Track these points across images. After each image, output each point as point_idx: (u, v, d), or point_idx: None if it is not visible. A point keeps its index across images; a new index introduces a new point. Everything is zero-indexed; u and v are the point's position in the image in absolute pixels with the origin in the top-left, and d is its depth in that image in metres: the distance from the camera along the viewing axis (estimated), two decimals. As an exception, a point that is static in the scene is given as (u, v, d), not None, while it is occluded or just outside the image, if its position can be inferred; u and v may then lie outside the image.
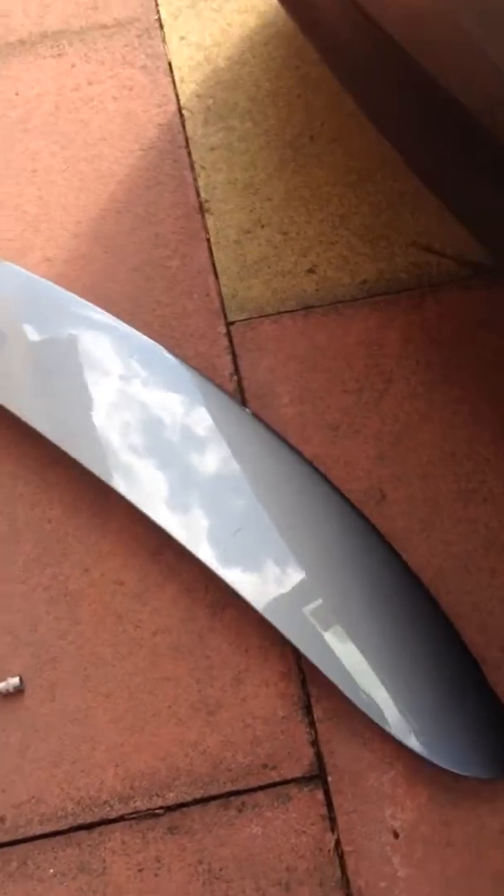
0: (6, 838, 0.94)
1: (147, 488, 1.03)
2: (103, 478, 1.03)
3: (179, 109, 1.37)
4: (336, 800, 0.93)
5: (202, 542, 1.00)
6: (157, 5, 1.45)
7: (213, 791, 0.94)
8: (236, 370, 1.17)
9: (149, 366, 1.11)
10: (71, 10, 1.45)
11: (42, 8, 1.45)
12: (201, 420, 1.07)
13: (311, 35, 1.15)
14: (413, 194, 1.29)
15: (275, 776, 0.95)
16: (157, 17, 1.44)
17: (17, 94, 1.38)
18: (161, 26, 1.43)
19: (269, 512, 1.02)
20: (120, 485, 1.03)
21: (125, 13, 1.44)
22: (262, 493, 1.04)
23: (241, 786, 0.94)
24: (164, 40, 1.42)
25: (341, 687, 0.93)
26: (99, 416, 1.07)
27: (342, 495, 1.04)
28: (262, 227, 1.27)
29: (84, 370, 1.10)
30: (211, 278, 1.24)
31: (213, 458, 1.05)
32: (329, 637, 0.96)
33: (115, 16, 1.44)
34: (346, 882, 0.90)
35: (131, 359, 1.11)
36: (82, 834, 0.93)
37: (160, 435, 1.07)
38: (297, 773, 0.95)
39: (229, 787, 0.94)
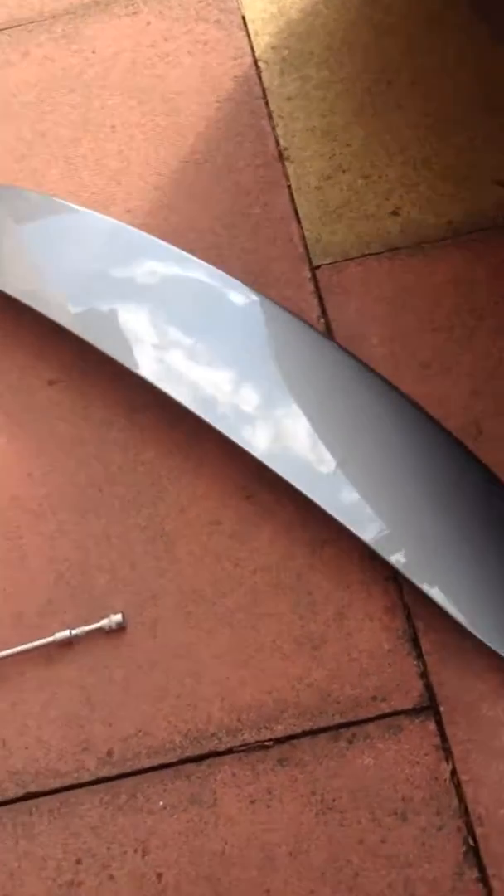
0: (114, 771, 0.94)
1: (245, 424, 1.03)
2: (200, 414, 1.03)
3: (255, 61, 1.37)
4: (449, 730, 0.92)
5: (303, 476, 1.00)
6: (228, -38, 1.46)
7: (322, 723, 0.94)
8: (324, 313, 1.16)
9: (239, 305, 1.11)
10: (143, -30, 1.46)
11: (114, -31, 1.47)
12: (295, 356, 1.07)
13: None
14: (494, 135, 1.27)
15: (384, 707, 0.94)
16: (228, -28, 1.45)
17: (93, 53, 1.40)
18: (233, -19, 1.44)
19: (369, 444, 1.02)
20: (217, 422, 1.03)
21: (197, -30, 1.45)
22: (361, 427, 1.03)
23: (350, 717, 0.94)
24: (236, -5, 1.43)
25: (454, 613, 0.92)
26: (193, 355, 1.08)
27: (440, 425, 1.03)
28: (343, 172, 1.27)
29: (176, 311, 1.11)
30: (294, 224, 1.23)
31: (310, 393, 1.05)
32: (438, 565, 0.94)
33: (187, -27, 1.45)
34: (464, 810, 0.88)
35: (222, 298, 1.12)
36: (191, 766, 0.93)
37: (256, 371, 1.07)
38: (408, 705, 0.94)
39: (338, 720, 0.94)
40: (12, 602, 1.03)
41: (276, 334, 1.09)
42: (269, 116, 1.32)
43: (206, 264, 1.14)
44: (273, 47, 1.38)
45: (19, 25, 1.45)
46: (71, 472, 1.10)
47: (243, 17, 1.41)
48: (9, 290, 1.14)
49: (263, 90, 1.34)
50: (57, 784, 0.94)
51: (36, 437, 1.12)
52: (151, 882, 0.89)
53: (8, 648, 0.99)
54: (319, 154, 1.28)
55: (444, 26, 1.36)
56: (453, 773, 0.90)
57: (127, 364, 1.07)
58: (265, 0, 1.42)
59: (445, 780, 0.90)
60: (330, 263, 1.20)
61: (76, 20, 1.44)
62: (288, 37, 1.38)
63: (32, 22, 1.45)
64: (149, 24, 1.42)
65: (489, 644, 0.91)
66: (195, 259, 1.15)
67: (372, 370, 1.07)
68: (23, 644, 0.99)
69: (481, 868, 0.86)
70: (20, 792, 0.94)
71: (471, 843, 0.87)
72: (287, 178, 1.27)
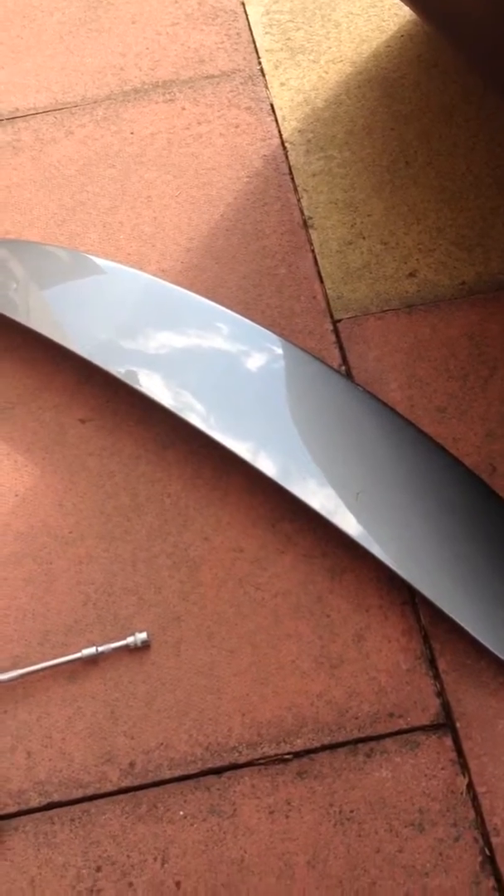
0: (136, 782, 1.01)
1: (270, 456, 1.15)
2: (227, 445, 1.15)
3: (282, 143, 1.57)
4: (465, 745, 0.99)
5: (325, 505, 1.11)
6: (258, 58, 1.69)
7: (341, 738, 1.01)
8: (344, 360, 1.30)
9: (265, 349, 1.26)
10: (180, 63, 1.69)
11: (153, 62, 1.71)
12: (318, 394, 1.21)
13: (444, 24, 1.35)
14: (503, 207, 1.45)
15: (402, 724, 1.02)
16: (259, 67, 1.68)
17: (132, 133, 1.61)
18: (263, 74, 1.66)
19: (388, 475, 1.14)
20: (245, 453, 1.15)
21: (230, 65, 1.68)
22: (380, 459, 1.15)
23: (368, 733, 1.01)
24: (266, 86, 1.65)
25: (471, 631, 1.01)
26: (222, 393, 1.21)
27: (456, 458, 1.15)
28: (364, 238, 1.44)
29: (205, 353, 1.26)
30: (316, 283, 1.40)
31: (332, 428, 1.18)
32: (455, 586, 1.04)
33: (221, 67, 1.68)
34: (480, 821, 0.95)
35: (248, 343, 1.26)
36: (211, 778, 1.01)
37: (281, 408, 1.20)
38: (425, 721, 1.01)
39: (356, 735, 1.01)
40: (41, 621, 1.13)
41: (300, 375, 1.23)
42: (295, 190, 1.51)
43: (233, 313, 1.30)
44: (299, 131, 1.58)
45: (64, 108, 1.67)
46: (100, 502, 1.21)
47: (272, 105, 1.62)
48: (46, 333, 1.29)
49: (290, 167, 1.54)
50: (79, 794, 1.01)
51: (68, 470, 1.25)
52: (170, 890, 0.95)
53: (35, 665, 1.08)
54: (341, 223, 1.46)
55: (457, 115, 1.57)
56: (469, 785, 0.97)
57: (157, 399, 1.20)
58: (292, 90, 1.64)
59: (462, 792, 0.97)
60: (350, 318, 1.35)
61: (116, 105, 1.66)
62: (313, 122, 1.59)
63: (76, 106, 1.67)
64: (184, 109, 1.63)
65: None
66: (223, 309, 1.31)
67: (390, 408, 1.20)
68: (49, 661, 1.08)
69: (498, 877, 0.92)
70: (43, 801, 1.01)
71: (487, 853, 0.93)
72: (311, 243, 1.44)
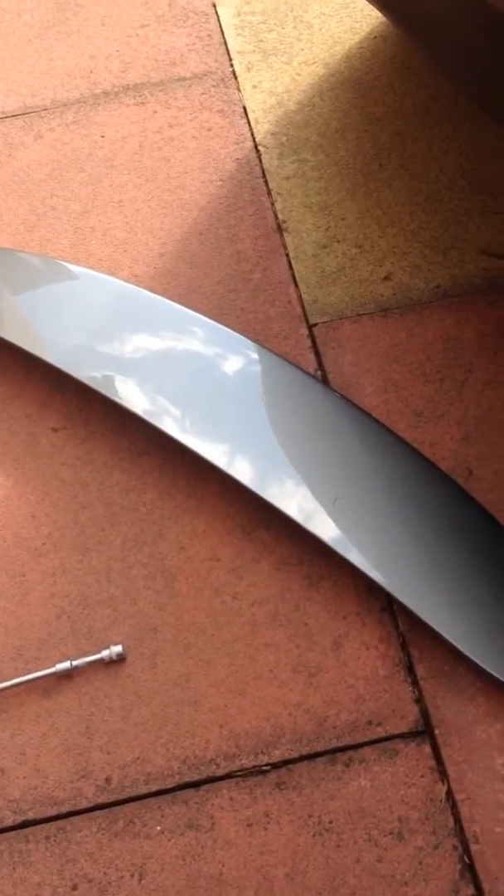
0: (112, 798, 1.01)
1: (245, 463, 1.15)
2: (202, 454, 1.16)
3: (255, 146, 1.58)
4: (444, 752, 1.00)
5: (302, 512, 1.11)
6: (230, 60, 1.69)
7: (319, 747, 1.02)
8: (320, 365, 1.31)
9: (239, 354, 1.26)
10: (151, 65, 1.70)
11: (123, 65, 1.70)
12: (293, 400, 1.21)
13: (410, 27, 1.36)
14: (477, 210, 1.46)
15: (380, 732, 1.02)
16: (231, 69, 1.68)
17: (103, 137, 1.61)
18: (235, 77, 1.67)
19: (364, 480, 1.14)
20: (219, 460, 1.15)
21: (201, 67, 1.68)
22: (356, 465, 1.16)
23: (346, 742, 1.02)
24: (238, 88, 1.65)
25: (449, 638, 1.02)
26: (196, 399, 1.21)
27: (432, 463, 1.15)
28: (338, 242, 1.45)
29: (179, 360, 1.26)
30: (291, 288, 1.40)
31: (307, 434, 1.18)
32: (432, 592, 1.05)
33: (192, 70, 1.68)
34: (460, 829, 0.95)
35: (222, 348, 1.26)
36: (189, 792, 1.01)
37: (256, 414, 1.20)
38: (403, 729, 1.02)
39: (335, 744, 1.02)
40: (13, 636, 1.12)
41: (276, 380, 1.24)
42: (269, 193, 1.52)
43: (207, 319, 1.30)
44: (272, 133, 1.59)
45: (33, 112, 1.66)
46: (73, 512, 1.21)
47: (244, 107, 1.63)
48: (17, 342, 1.29)
49: (263, 171, 1.54)
50: (54, 811, 1.01)
51: (40, 480, 1.24)
52: (148, 906, 0.94)
53: (7, 680, 1.08)
54: (316, 226, 1.47)
55: (430, 117, 1.58)
56: (448, 793, 0.97)
57: (130, 407, 1.20)
58: (265, 93, 1.64)
59: (441, 800, 0.97)
60: (326, 322, 1.35)
61: (86, 108, 1.66)
62: (286, 125, 1.60)
63: (45, 109, 1.67)
64: (155, 112, 1.63)
65: (482, 665, 1.00)
66: (197, 314, 1.31)
67: (366, 413, 1.21)
68: (22, 676, 1.08)
69: (477, 885, 0.92)
70: (17, 820, 1.01)
71: (466, 860, 0.94)
72: (285, 247, 1.45)
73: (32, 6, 1.82)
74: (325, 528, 1.11)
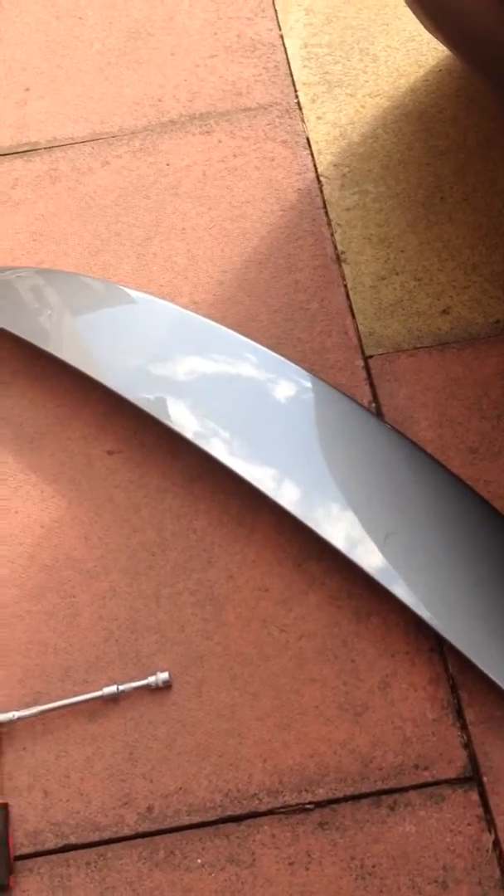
0: (154, 827, 1.00)
1: (297, 495, 1.14)
2: (255, 484, 1.14)
3: (317, 177, 1.57)
4: (492, 800, 0.97)
5: (353, 546, 1.09)
6: (295, 91, 1.69)
7: (364, 789, 0.99)
8: (375, 398, 1.29)
9: (295, 385, 1.25)
10: (217, 95, 1.70)
11: (190, 94, 1.72)
12: (348, 433, 1.20)
13: (475, 60, 1.35)
14: (542, 247, 1.44)
15: (427, 776, 0.99)
16: (296, 100, 1.68)
17: (168, 165, 1.62)
18: (300, 108, 1.67)
19: (418, 517, 1.12)
20: (271, 492, 1.14)
21: (267, 98, 1.69)
22: (410, 501, 1.14)
23: (392, 784, 0.99)
24: (302, 120, 1.65)
25: (500, 683, 0.99)
26: (250, 429, 1.20)
27: (487, 502, 1.13)
28: (397, 274, 1.43)
29: (235, 389, 1.25)
30: (348, 319, 1.39)
31: (361, 468, 1.17)
32: (484, 636, 1.02)
33: (258, 100, 1.69)
34: (507, 882, 0.92)
35: (279, 379, 1.26)
36: (231, 826, 0.99)
37: (310, 446, 1.19)
38: (451, 775, 0.99)
39: (380, 786, 0.99)
40: (62, 657, 1.12)
41: (330, 412, 1.22)
42: (329, 224, 1.51)
43: (264, 348, 1.29)
44: (335, 165, 1.58)
45: (101, 139, 1.68)
46: (125, 536, 1.21)
47: (308, 138, 1.62)
48: (77, 364, 1.29)
49: (324, 201, 1.54)
50: (96, 837, 1.00)
51: (94, 502, 1.24)
52: (185, 941, 0.93)
53: (55, 701, 1.07)
54: (375, 258, 1.45)
55: (494, 151, 1.56)
56: (496, 843, 0.94)
57: (184, 433, 1.19)
58: (328, 124, 1.64)
59: (488, 850, 0.94)
60: (382, 354, 1.34)
61: (153, 136, 1.67)
62: (349, 156, 1.59)
63: (113, 136, 1.68)
64: (220, 142, 1.64)
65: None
66: (254, 343, 1.30)
67: (421, 448, 1.18)
68: (70, 698, 1.07)
69: (524, 942, 0.89)
70: (59, 843, 1.00)
71: (513, 915, 0.90)
72: (343, 278, 1.44)
73: (104, 35, 1.84)
74: (375, 563, 1.09)
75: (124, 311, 1.40)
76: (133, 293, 1.40)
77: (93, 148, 1.67)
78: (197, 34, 1.82)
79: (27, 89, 1.79)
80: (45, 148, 1.68)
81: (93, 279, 1.45)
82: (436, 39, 1.72)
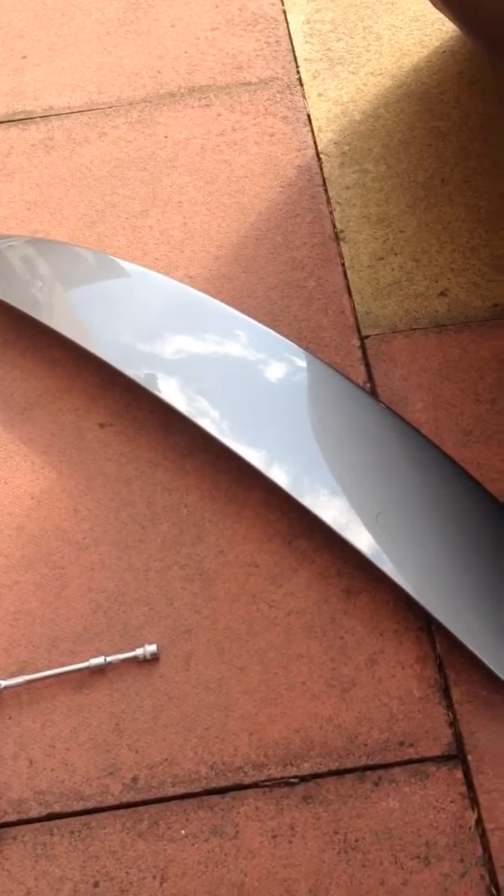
0: (138, 798, 1.00)
1: (289, 471, 1.14)
2: (246, 458, 1.15)
3: (317, 154, 1.57)
4: (477, 779, 0.98)
5: (344, 524, 1.10)
6: (297, 67, 1.69)
7: (349, 764, 1.00)
8: (370, 378, 1.29)
9: (289, 361, 1.25)
10: (217, 68, 1.69)
11: (190, 67, 1.71)
12: (341, 410, 1.20)
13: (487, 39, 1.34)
14: (541, 232, 1.44)
15: (412, 753, 1.00)
16: (297, 76, 1.67)
17: (166, 137, 1.61)
18: (301, 84, 1.66)
19: (409, 496, 1.12)
20: (263, 467, 1.14)
21: (267, 73, 1.68)
22: (402, 480, 1.14)
23: (377, 760, 1.00)
24: (303, 96, 1.64)
25: (488, 662, 1.00)
26: (243, 404, 1.20)
27: (478, 483, 1.13)
28: (395, 254, 1.43)
29: (229, 363, 1.25)
30: (345, 298, 1.39)
31: (354, 446, 1.17)
32: (472, 615, 1.03)
33: (259, 75, 1.68)
34: (488, 859, 0.93)
35: (272, 354, 1.26)
36: (215, 798, 1.00)
37: (303, 422, 1.19)
38: (436, 752, 1.00)
39: (365, 762, 1.00)
40: (49, 627, 1.12)
41: (324, 390, 1.23)
42: (328, 202, 1.51)
43: (260, 324, 1.29)
44: (335, 143, 1.58)
45: (98, 109, 1.67)
46: (115, 509, 1.21)
47: (308, 115, 1.62)
48: (69, 334, 1.29)
49: (324, 179, 1.53)
50: (80, 807, 1.00)
51: (84, 475, 1.24)
52: (167, 910, 0.94)
53: (42, 671, 1.07)
54: (373, 237, 1.45)
55: (496, 134, 1.56)
56: (479, 821, 0.95)
57: (177, 406, 1.19)
58: (330, 101, 1.63)
59: (470, 827, 0.95)
60: (378, 334, 1.34)
61: (151, 108, 1.66)
62: (350, 134, 1.59)
63: (111, 107, 1.67)
64: (219, 115, 1.63)
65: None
66: (249, 319, 1.30)
67: (415, 429, 1.19)
68: (57, 668, 1.08)
69: (504, 917, 0.90)
70: (43, 812, 1.00)
71: (493, 891, 0.92)
72: (341, 256, 1.44)
73: (104, 4, 1.83)
74: (366, 541, 1.09)
75: (119, 284, 1.39)
76: (128, 266, 1.40)
77: (90, 118, 1.66)
78: (198, 6, 1.81)
79: (24, 57, 1.77)
80: (41, 117, 1.67)
81: (87, 250, 1.44)
82: (440, 20, 1.72)
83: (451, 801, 0.97)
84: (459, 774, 0.99)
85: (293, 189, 1.53)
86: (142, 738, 1.04)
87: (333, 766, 1.00)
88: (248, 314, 1.33)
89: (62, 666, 1.08)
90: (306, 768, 1.00)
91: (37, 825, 1.00)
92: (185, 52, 1.74)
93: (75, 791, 1.01)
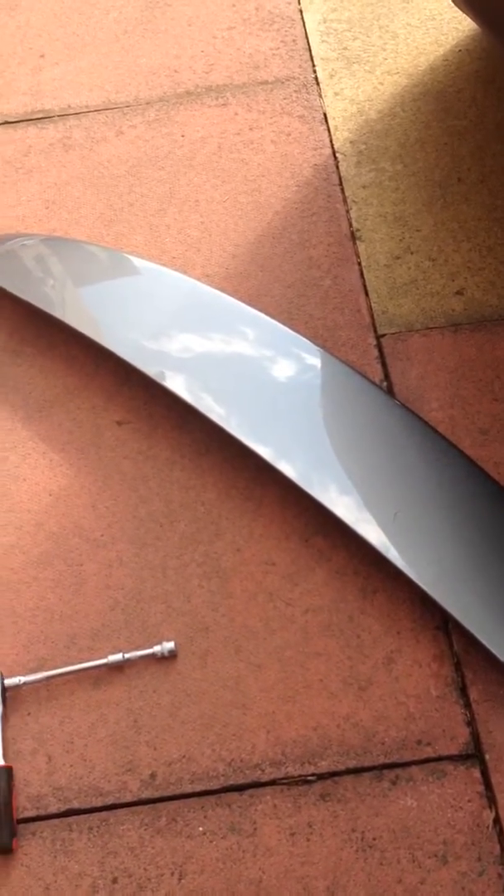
0: (156, 794, 1.00)
1: (306, 470, 1.14)
2: (263, 456, 1.14)
3: (334, 153, 1.56)
4: (494, 778, 0.97)
5: (361, 522, 1.09)
6: (313, 66, 1.67)
7: (366, 762, 1.00)
8: (386, 376, 1.29)
9: (306, 360, 1.25)
10: (235, 67, 1.68)
11: (207, 66, 1.70)
12: (358, 409, 1.19)
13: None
14: None
15: (429, 752, 1.00)
16: (314, 75, 1.66)
17: (183, 136, 1.60)
18: (318, 83, 1.65)
19: (427, 495, 1.12)
20: (281, 465, 1.13)
21: (284, 72, 1.67)
22: (419, 479, 1.14)
23: (394, 759, 0.99)
24: (320, 95, 1.63)
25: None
26: (260, 402, 1.20)
27: (496, 482, 1.12)
28: (412, 253, 1.42)
29: (246, 361, 1.24)
30: (362, 297, 1.38)
31: (371, 445, 1.16)
32: (491, 614, 1.02)
33: (276, 74, 1.67)
34: (506, 858, 0.92)
35: (289, 353, 1.25)
36: (233, 795, 0.99)
37: (319, 421, 1.19)
38: (453, 751, 0.99)
39: (382, 760, 1.00)
40: (68, 624, 1.12)
41: (341, 388, 1.22)
42: (344, 201, 1.49)
43: (276, 322, 1.29)
44: (351, 142, 1.57)
45: (115, 108, 1.66)
46: (133, 506, 1.20)
47: (325, 114, 1.61)
48: (87, 332, 1.28)
49: (340, 178, 1.52)
50: (99, 803, 1.00)
51: (102, 472, 1.24)
52: (186, 906, 0.93)
53: (60, 668, 1.07)
54: (390, 237, 1.44)
55: (512, 133, 1.55)
56: (496, 820, 0.95)
57: (194, 404, 1.19)
58: (346, 100, 1.62)
59: (488, 826, 0.94)
60: (394, 333, 1.33)
61: (168, 107, 1.65)
62: (366, 133, 1.58)
63: (128, 106, 1.66)
64: (236, 114, 1.62)
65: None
66: (266, 317, 1.29)
67: (432, 427, 1.18)
68: (75, 665, 1.07)
69: (522, 917, 0.90)
70: (62, 808, 1.00)
71: (512, 891, 0.91)
72: (358, 255, 1.43)
73: (122, 3, 1.82)
74: (383, 540, 1.08)
75: (136, 282, 1.39)
76: (146, 264, 1.39)
77: (107, 117, 1.65)
78: (215, 5, 1.80)
79: (42, 56, 1.76)
80: (58, 116, 1.66)
81: (105, 248, 1.44)
82: (456, 19, 1.70)
83: (469, 800, 0.96)
84: (477, 773, 0.98)
85: (310, 188, 1.52)
86: (160, 734, 1.03)
87: (351, 765, 1.00)
88: (265, 312, 1.33)
89: (80, 663, 1.08)
90: (324, 766, 1.00)
91: (55, 821, 0.99)
92: (202, 52, 1.73)
93: (94, 787, 1.01)
